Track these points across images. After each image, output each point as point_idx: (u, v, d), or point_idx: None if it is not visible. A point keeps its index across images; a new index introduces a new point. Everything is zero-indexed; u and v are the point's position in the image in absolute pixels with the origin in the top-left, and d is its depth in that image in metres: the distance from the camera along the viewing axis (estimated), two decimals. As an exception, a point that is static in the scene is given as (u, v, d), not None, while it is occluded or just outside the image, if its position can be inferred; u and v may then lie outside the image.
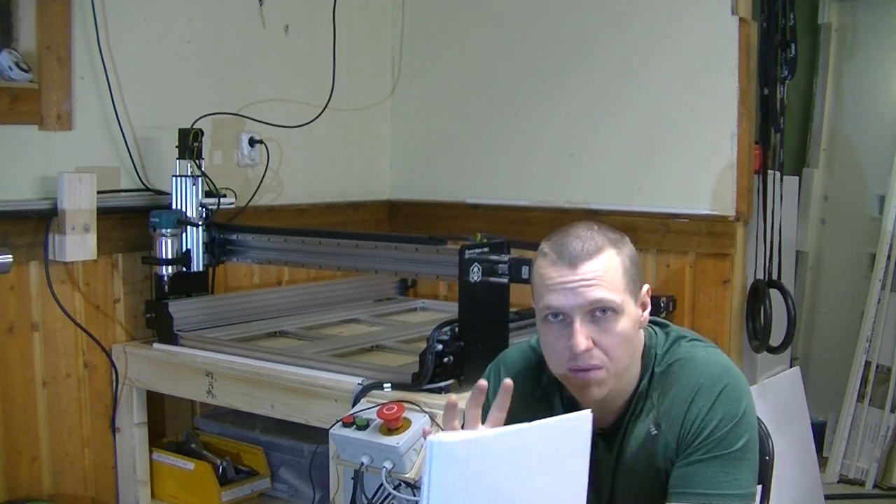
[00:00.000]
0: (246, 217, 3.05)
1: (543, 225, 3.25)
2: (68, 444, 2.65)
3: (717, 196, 2.95)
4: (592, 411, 1.48)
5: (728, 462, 1.40)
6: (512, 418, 1.55)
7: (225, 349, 2.56)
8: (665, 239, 3.05)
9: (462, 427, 1.37)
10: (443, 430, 1.38)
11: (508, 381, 1.36)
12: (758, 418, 1.75)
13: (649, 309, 1.48)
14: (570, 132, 3.26)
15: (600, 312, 1.39)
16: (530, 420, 1.52)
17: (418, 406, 2.04)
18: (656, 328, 1.53)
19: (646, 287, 1.47)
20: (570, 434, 1.32)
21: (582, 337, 1.38)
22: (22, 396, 2.54)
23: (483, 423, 1.36)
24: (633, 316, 1.43)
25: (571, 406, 1.52)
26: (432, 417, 2.03)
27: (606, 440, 1.50)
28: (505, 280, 2.21)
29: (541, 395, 1.55)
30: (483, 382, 1.37)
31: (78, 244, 2.55)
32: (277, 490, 2.79)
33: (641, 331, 1.49)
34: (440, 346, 2.15)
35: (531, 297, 1.47)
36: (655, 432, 1.46)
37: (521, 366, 1.59)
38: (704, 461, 1.40)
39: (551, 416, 1.51)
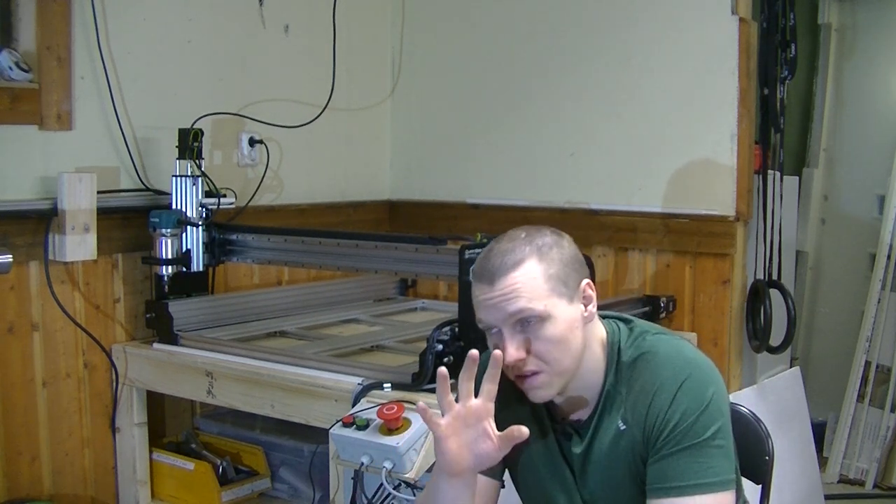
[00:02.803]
0: (246, 217, 3.05)
1: (544, 225, 3.26)
2: (68, 444, 2.65)
3: (717, 196, 2.95)
4: (565, 409, 1.53)
5: (699, 451, 1.40)
6: (503, 409, 1.54)
7: (225, 349, 2.56)
8: (665, 239, 3.06)
9: (456, 400, 1.41)
10: (438, 404, 1.41)
11: (474, 352, 1.40)
12: (757, 418, 1.76)
13: (594, 303, 1.49)
14: (570, 132, 3.26)
15: (526, 322, 1.42)
16: (520, 412, 1.55)
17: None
18: (620, 323, 1.55)
19: (584, 282, 1.48)
20: None
21: (512, 348, 1.42)
22: (22, 396, 2.54)
23: (476, 395, 1.41)
24: (566, 317, 1.44)
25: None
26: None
27: (581, 434, 1.52)
28: (505, 280, 2.21)
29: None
30: (475, 352, 1.40)
31: (78, 244, 2.55)
32: (277, 490, 2.79)
33: (596, 325, 1.51)
34: (440, 346, 2.15)
35: None
36: (624, 427, 1.47)
37: None
38: (675, 453, 1.41)
39: (534, 408, 1.55)
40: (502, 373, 1.54)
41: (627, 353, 1.50)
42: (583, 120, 3.23)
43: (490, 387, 1.40)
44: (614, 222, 3.14)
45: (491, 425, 1.40)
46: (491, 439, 1.40)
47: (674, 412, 1.42)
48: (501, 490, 1.63)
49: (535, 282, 1.42)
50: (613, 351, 1.50)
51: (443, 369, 1.41)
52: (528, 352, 1.43)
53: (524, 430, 1.38)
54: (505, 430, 1.39)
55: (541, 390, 1.45)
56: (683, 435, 1.41)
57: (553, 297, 1.43)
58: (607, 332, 1.52)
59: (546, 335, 1.42)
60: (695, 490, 1.39)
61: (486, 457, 1.41)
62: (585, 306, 1.47)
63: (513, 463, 1.60)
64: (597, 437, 1.50)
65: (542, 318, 1.42)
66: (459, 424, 1.40)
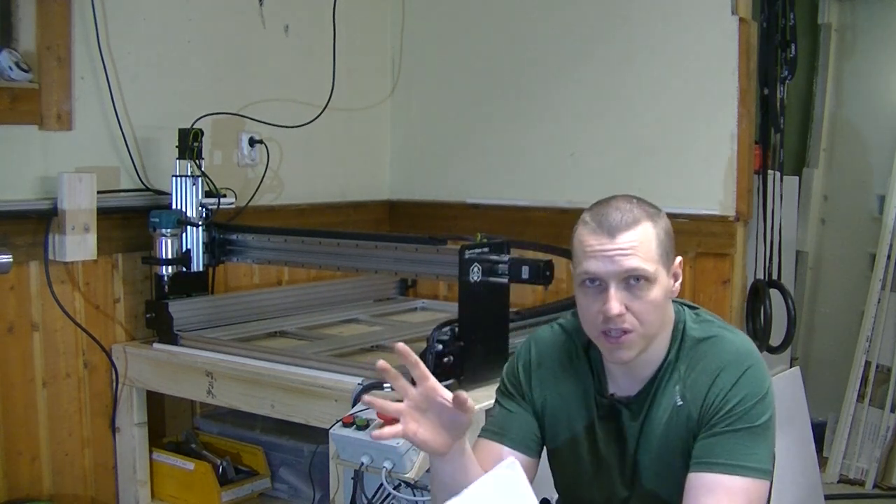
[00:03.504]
0: (246, 217, 3.05)
1: (543, 225, 3.26)
2: (68, 444, 2.65)
3: (717, 196, 2.95)
4: (619, 380, 1.57)
5: (750, 436, 1.46)
6: (543, 383, 1.64)
7: (225, 349, 2.56)
8: (665, 239, 3.05)
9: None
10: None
11: (400, 345, 1.44)
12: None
13: (680, 280, 1.55)
14: (570, 132, 3.26)
15: (634, 280, 1.47)
16: (564, 389, 1.62)
17: (418, 406, 2.03)
18: (686, 308, 1.61)
19: (678, 259, 1.55)
20: (506, 486, 1.43)
21: (616, 302, 1.46)
22: (22, 396, 2.54)
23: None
24: (664, 285, 1.50)
25: (598, 373, 1.60)
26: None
27: (631, 409, 1.56)
28: (505, 280, 2.21)
29: (569, 364, 1.64)
30: (401, 345, 1.44)
31: (78, 244, 2.55)
32: (277, 490, 2.79)
33: (672, 303, 1.57)
34: (440, 346, 2.15)
35: (570, 263, 1.55)
36: (681, 403, 1.52)
37: (550, 341, 1.68)
38: (728, 433, 1.46)
39: (578, 383, 1.61)
40: (550, 351, 1.64)
41: (693, 333, 1.56)
42: (583, 120, 3.23)
43: (418, 371, 1.43)
44: (614, 222, 3.13)
45: (442, 395, 1.42)
46: (448, 406, 1.42)
47: (735, 393, 1.48)
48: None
49: (651, 244, 1.48)
50: (679, 329, 1.56)
51: (381, 362, 1.45)
52: (626, 309, 1.47)
53: (462, 394, 1.39)
54: (454, 394, 1.41)
55: (627, 350, 1.49)
56: (739, 417, 1.46)
57: (660, 264, 1.49)
58: (675, 312, 1.58)
59: (649, 297, 1.47)
60: (738, 471, 1.44)
61: (453, 424, 1.44)
62: (674, 282, 1.54)
63: (553, 439, 1.65)
64: (652, 411, 1.54)
65: (650, 280, 1.47)
66: (418, 415, 1.44)
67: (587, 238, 1.49)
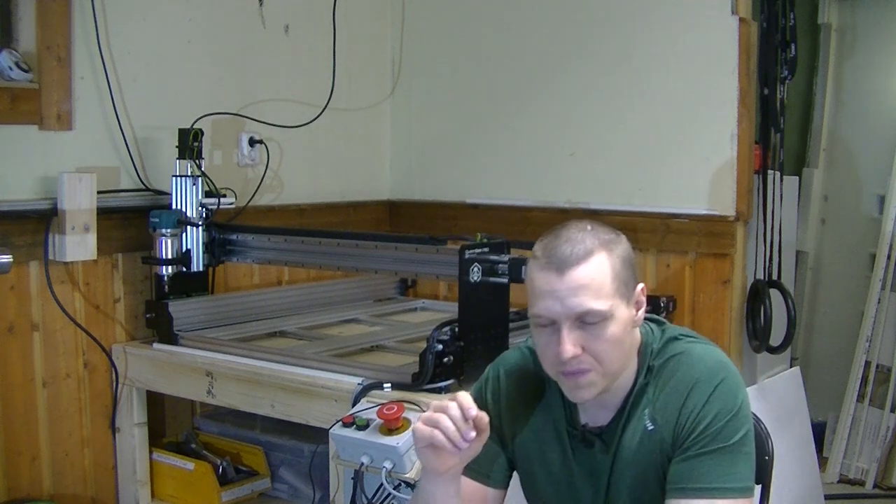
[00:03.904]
0: (246, 217, 3.05)
1: (543, 225, 3.21)
2: (68, 444, 2.66)
3: (718, 196, 2.95)
4: (590, 410, 1.51)
5: (726, 455, 1.40)
6: (514, 417, 1.58)
7: (225, 349, 2.56)
8: (665, 239, 3.05)
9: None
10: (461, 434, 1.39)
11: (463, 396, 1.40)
12: (757, 418, 1.76)
13: (644, 308, 1.48)
14: (570, 132, 3.26)
15: (590, 319, 1.39)
16: (536, 422, 1.56)
17: (418, 406, 2.04)
18: (652, 325, 1.54)
19: (640, 286, 1.47)
20: None
21: (569, 345, 1.38)
22: (22, 396, 2.54)
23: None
24: (623, 318, 1.42)
25: (568, 403, 1.53)
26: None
27: (603, 438, 1.50)
28: (505, 280, 2.21)
29: (539, 395, 1.57)
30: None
31: (78, 244, 2.55)
32: (277, 490, 2.79)
33: (636, 329, 1.49)
34: (440, 346, 2.15)
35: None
36: (652, 427, 1.46)
37: (519, 366, 1.60)
38: (702, 455, 1.40)
39: (549, 415, 1.55)
40: (520, 381, 1.57)
41: (658, 356, 1.49)
42: (583, 120, 3.23)
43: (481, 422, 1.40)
44: (614, 222, 3.09)
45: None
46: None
47: (707, 412, 1.41)
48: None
49: (605, 279, 1.40)
50: (646, 353, 1.49)
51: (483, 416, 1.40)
52: (583, 349, 1.40)
53: (484, 416, 1.38)
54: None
55: (587, 389, 1.42)
56: (713, 437, 1.40)
57: (616, 298, 1.40)
58: (641, 335, 1.51)
59: (605, 335, 1.39)
60: (716, 493, 1.39)
61: (464, 452, 1.41)
62: (637, 311, 1.46)
63: (526, 473, 1.60)
64: (624, 440, 1.48)
65: (605, 318, 1.39)
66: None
67: (536, 276, 1.41)
